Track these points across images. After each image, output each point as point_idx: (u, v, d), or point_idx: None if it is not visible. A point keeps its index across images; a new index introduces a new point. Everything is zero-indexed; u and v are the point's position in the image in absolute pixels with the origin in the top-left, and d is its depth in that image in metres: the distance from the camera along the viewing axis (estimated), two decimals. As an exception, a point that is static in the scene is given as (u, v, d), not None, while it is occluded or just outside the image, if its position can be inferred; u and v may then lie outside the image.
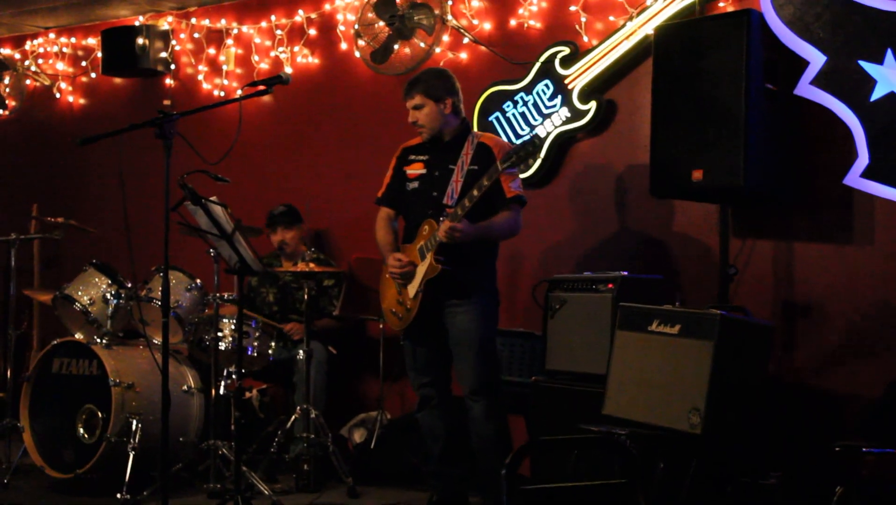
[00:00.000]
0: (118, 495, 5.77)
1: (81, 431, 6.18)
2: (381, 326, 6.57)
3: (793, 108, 5.49)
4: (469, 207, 5.16)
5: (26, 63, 8.95)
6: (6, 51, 9.05)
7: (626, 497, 3.63)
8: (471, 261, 5.31)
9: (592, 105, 6.33)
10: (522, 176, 6.37)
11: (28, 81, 9.01)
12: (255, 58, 7.82)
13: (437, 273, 5.25)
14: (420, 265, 5.34)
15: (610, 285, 5.46)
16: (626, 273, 5.53)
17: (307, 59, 7.66)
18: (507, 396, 5.56)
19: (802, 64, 5.30)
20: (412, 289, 5.37)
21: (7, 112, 9.07)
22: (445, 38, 6.96)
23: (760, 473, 4.99)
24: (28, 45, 8.97)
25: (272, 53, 7.76)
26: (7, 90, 9.02)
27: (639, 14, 6.15)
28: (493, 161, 5.23)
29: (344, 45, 7.47)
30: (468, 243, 5.23)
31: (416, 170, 5.53)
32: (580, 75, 6.37)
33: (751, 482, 4.96)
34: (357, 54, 7.32)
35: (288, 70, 7.54)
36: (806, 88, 5.30)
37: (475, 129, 6.48)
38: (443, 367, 5.49)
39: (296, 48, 7.67)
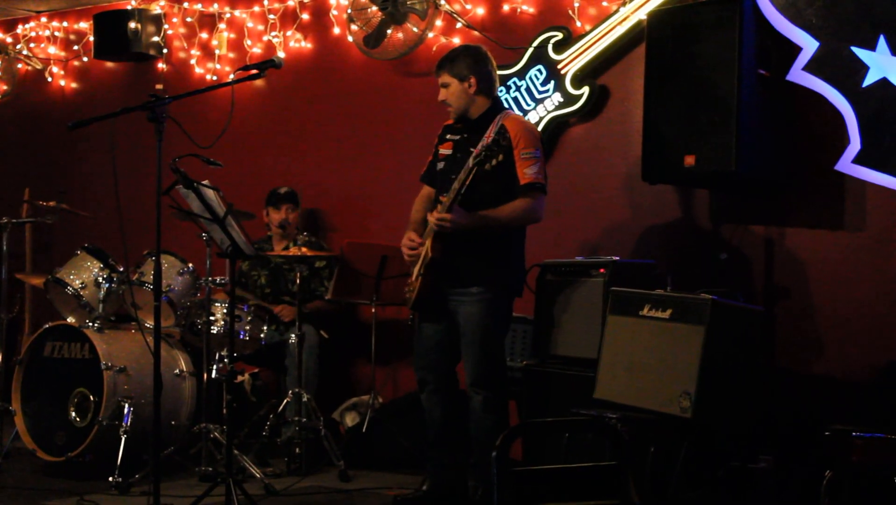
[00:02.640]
0: (110, 478, 5.78)
1: (73, 414, 6.18)
2: (373, 310, 6.58)
3: (785, 93, 5.50)
4: (454, 197, 5.13)
5: (18, 47, 8.93)
6: (-2, 34, 9.03)
7: (616, 480, 3.64)
8: (473, 249, 5.26)
9: (585, 90, 6.34)
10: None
11: (20, 65, 8.99)
12: (248, 42, 7.81)
13: (429, 260, 5.25)
14: (424, 248, 5.33)
15: (602, 270, 5.46)
16: (617, 258, 5.54)
17: (300, 43, 7.65)
18: (508, 386, 5.53)
19: (795, 50, 5.31)
20: (416, 271, 5.38)
21: (-1, 96, 9.06)
22: (438, 22, 6.96)
23: (751, 457, 5.02)
24: (20, 29, 8.95)
25: (265, 38, 7.75)
26: (-1, 74, 9.01)
27: (632, -1, 6.16)
28: (510, 145, 5.21)
29: (337, 30, 7.46)
30: (467, 231, 5.20)
31: (446, 149, 5.46)
32: (573, 60, 6.37)
33: (741, 466, 4.99)
34: (350, 39, 7.32)
35: (281, 54, 7.52)
36: (798, 74, 5.31)
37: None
38: (444, 353, 5.43)
39: (288, 32, 7.66)
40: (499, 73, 6.57)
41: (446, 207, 5.15)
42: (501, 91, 6.56)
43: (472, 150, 5.22)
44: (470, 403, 5.35)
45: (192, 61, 8.06)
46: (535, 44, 6.52)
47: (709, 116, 5.30)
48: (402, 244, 5.48)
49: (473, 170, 5.07)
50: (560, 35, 6.44)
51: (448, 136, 5.51)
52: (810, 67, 5.27)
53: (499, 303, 5.33)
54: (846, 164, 5.25)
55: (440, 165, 5.49)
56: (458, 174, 5.20)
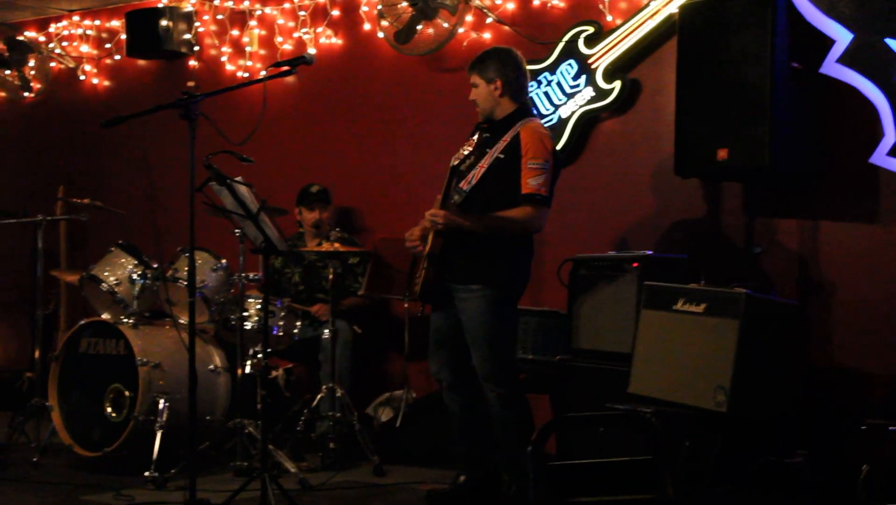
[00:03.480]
0: (146, 473, 5.82)
1: (109, 409, 6.22)
2: (405, 305, 6.59)
3: (819, 86, 5.47)
4: (451, 199, 5.18)
5: (51, 45, 8.98)
6: (31, 34, 9.08)
7: (651, 474, 3.64)
8: (474, 247, 5.27)
9: (617, 84, 6.33)
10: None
11: (53, 64, 9.05)
12: (279, 39, 7.83)
13: (428, 254, 5.28)
14: (427, 243, 5.36)
15: (635, 264, 5.46)
16: (650, 252, 5.54)
17: (330, 39, 7.66)
18: (524, 381, 5.52)
19: (828, 42, 5.29)
20: (420, 264, 5.42)
21: (32, 94, 9.11)
22: (469, 17, 6.95)
23: (786, 452, 4.99)
24: (52, 28, 9.00)
25: (295, 35, 7.77)
26: (32, 73, 9.05)
27: (663, -7, 6.14)
28: (519, 153, 5.23)
29: (367, 26, 7.47)
30: (465, 232, 5.22)
31: (470, 146, 5.50)
32: (604, 55, 6.36)
33: (776, 461, 4.97)
34: (380, 35, 7.32)
35: (311, 51, 7.54)
36: (832, 67, 5.29)
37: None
38: (455, 349, 5.43)
39: (319, 29, 7.67)
40: (529, 67, 6.58)
41: (439, 204, 5.19)
42: (532, 86, 6.56)
43: (487, 150, 5.30)
44: (487, 399, 5.37)
45: (224, 58, 8.09)
46: (566, 38, 6.51)
47: (741, 110, 5.28)
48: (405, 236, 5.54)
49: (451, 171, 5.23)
50: (591, 29, 6.42)
51: (475, 134, 5.54)
52: (844, 60, 5.25)
53: (500, 299, 5.32)
54: (881, 156, 5.23)
55: (457, 162, 5.53)
56: (472, 171, 5.30)
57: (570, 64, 6.49)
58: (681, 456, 4.73)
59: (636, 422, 4.51)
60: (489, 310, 5.27)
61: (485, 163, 5.27)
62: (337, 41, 7.66)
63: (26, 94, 9.12)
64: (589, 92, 6.42)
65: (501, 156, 5.26)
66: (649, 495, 3.58)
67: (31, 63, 9.04)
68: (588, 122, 6.48)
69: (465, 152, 5.38)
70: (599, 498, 3.51)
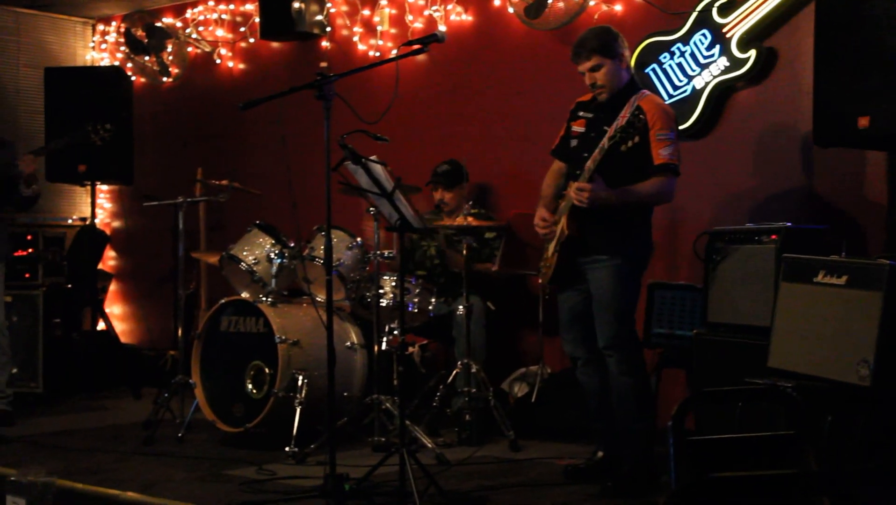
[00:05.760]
0: (286, 449, 5.94)
1: (250, 386, 6.36)
2: (539, 280, 6.58)
3: (964, 49, 5.28)
4: (591, 171, 5.12)
5: (187, 31, 9.19)
6: (168, 20, 9.30)
7: (792, 449, 3.58)
8: (600, 224, 5.24)
9: (752, 53, 6.21)
10: (680, 127, 6.29)
11: (189, 49, 9.25)
12: (409, 17, 7.87)
13: (565, 238, 5.25)
14: (559, 226, 5.33)
15: (773, 236, 5.36)
16: (789, 224, 5.42)
17: (461, 16, 7.67)
18: (643, 352, 5.45)
19: (974, 3, 5.10)
20: (551, 248, 5.40)
21: (171, 79, 9.34)
22: (599, -11, 6.90)
23: (935, 426, 4.86)
24: (189, 14, 9.21)
25: (426, 12, 7.79)
26: (170, 58, 9.28)
27: (800, -42, 6.00)
28: (646, 126, 5.16)
29: (497, 2, 7.46)
30: (605, 207, 5.17)
31: (579, 127, 5.46)
32: (739, 23, 6.25)
33: (923, 435, 4.84)
34: (510, 10, 7.31)
35: (442, 28, 7.56)
36: (978, 28, 5.10)
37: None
38: (586, 323, 5.41)
39: (449, 6, 7.68)
40: (662, 38, 6.55)
41: (585, 180, 5.14)
42: (665, 57, 6.50)
43: (605, 128, 5.22)
44: (607, 368, 5.35)
45: (355, 38, 8.16)
46: (700, 8, 6.41)
47: (883, 76, 5.11)
48: (534, 223, 5.51)
49: (607, 150, 5.08)
50: (725, -2, 6.32)
51: (581, 114, 5.49)
52: None
53: (626, 269, 5.30)
54: None
55: (573, 143, 5.48)
56: (590, 153, 5.21)
57: (703, 34, 6.39)
58: (823, 431, 4.64)
59: (777, 396, 4.43)
60: (615, 279, 5.27)
61: (605, 141, 5.18)
62: (467, 18, 7.67)
63: (165, 79, 9.35)
64: (723, 62, 6.31)
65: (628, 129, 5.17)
66: (791, 470, 3.53)
67: (169, 49, 9.26)
68: (723, 92, 6.38)
69: (580, 130, 5.36)
70: (740, 473, 3.47)
